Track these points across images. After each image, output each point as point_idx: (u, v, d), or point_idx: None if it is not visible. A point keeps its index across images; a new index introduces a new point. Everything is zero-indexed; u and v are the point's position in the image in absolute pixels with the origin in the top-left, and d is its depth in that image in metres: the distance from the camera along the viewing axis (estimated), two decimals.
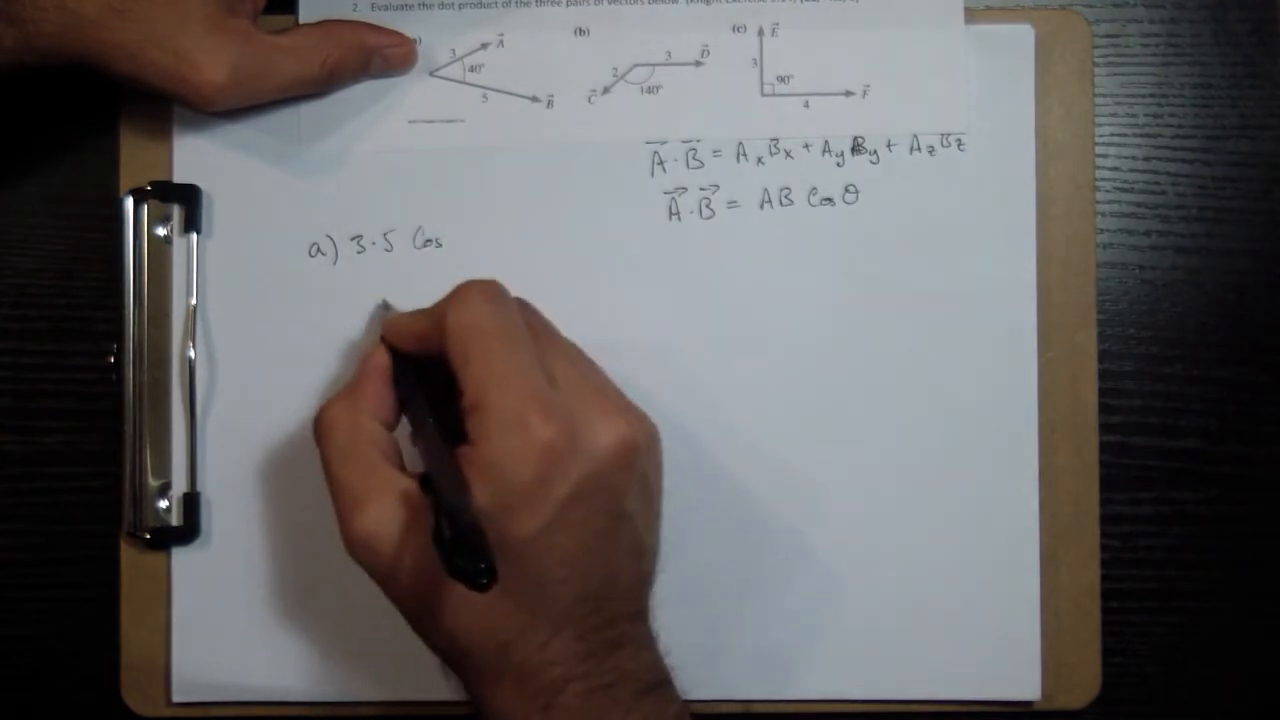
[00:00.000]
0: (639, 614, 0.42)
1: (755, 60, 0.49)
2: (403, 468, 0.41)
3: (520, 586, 0.38)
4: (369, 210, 0.49)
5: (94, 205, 0.50)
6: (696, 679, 0.48)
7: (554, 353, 0.41)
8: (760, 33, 0.49)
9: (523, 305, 0.43)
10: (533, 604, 0.39)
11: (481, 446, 0.38)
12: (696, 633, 0.48)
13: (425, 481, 0.37)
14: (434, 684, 0.48)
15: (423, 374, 0.42)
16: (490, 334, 0.40)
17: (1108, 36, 0.50)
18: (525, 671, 0.39)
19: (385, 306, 0.48)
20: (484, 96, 0.49)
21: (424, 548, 0.37)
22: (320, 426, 0.41)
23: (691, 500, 0.48)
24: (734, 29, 0.49)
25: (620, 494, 0.40)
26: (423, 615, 0.40)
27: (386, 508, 0.39)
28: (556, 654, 0.39)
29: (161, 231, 0.49)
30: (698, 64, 0.49)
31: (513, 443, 0.38)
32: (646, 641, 0.42)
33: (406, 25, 0.48)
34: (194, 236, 0.49)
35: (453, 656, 0.40)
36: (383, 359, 0.43)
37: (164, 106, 0.49)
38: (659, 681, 0.41)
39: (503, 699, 0.39)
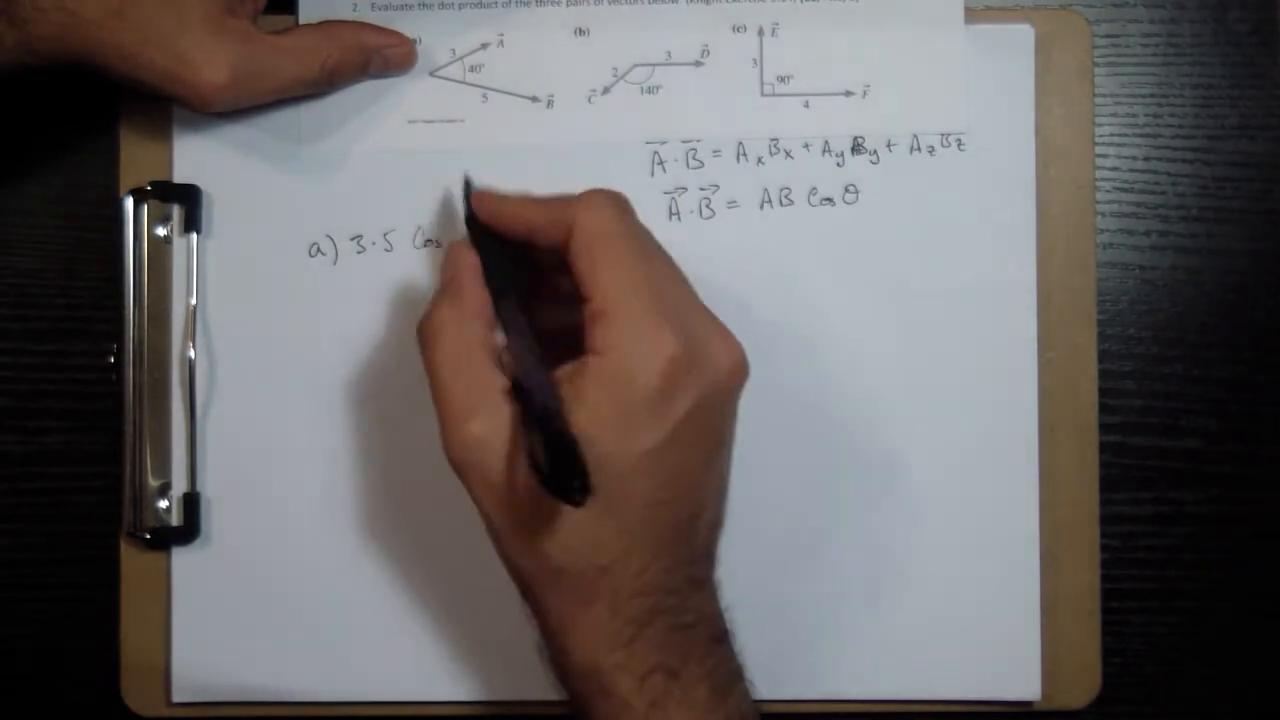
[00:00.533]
0: (713, 558, 0.42)
1: (755, 60, 0.49)
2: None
3: (627, 506, 0.38)
4: (369, 210, 0.49)
5: (94, 205, 0.50)
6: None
7: (668, 268, 0.41)
8: (760, 33, 0.49)
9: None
10: (636, 527, 0.38)
11: (610, 355, 0.38)
12: None
13: (517, 388, 0.37)
14: (434, 684, 0.49)
15: (508, 260, 0.42)
16: (622, 242, 0.40)
17: (1108, 36, 0.50)
18: (619, 598, 0.39)
19: (469, 180, 0.45)
20: (484, 96, 0.49)
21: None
22: (427, 334, 0.40)
23: None
24: (734, 29, 0.49)
25: (725, 419, 0.40)
26: (519, 530, 0.39)
27: (497, 416, 0.39)
28: (649, 584, 0.39)
29: (161, 231, 0.49)
30: (698, 64, 0.49)
31: (641, 355, 0.38)
32: (715, 591, 0.42)
33: (406, 25, 0.48)
34: (194, 236, 0.49)
35: (541, 579, 0.39)
36: (474, 257, 0.42)
37: (164, 106, 0.49)
38: (727, 633, 0.42)
39: (592, 625, 0.39)
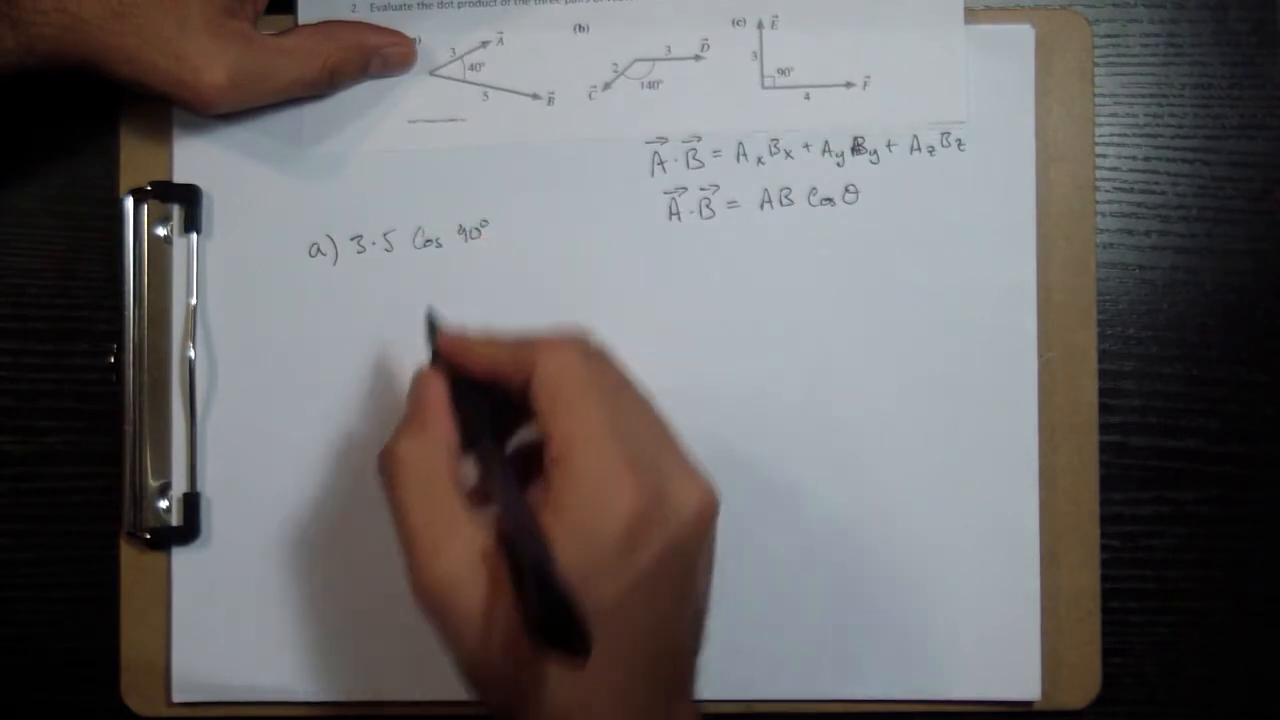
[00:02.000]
0: (690, 683, 0.40)
1: (755, 53, 0.49)
2: (476, 508, 0.38)
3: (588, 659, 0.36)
4: (369, 210, 0.49)
5: (94, 205, 0.50)
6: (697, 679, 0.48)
7: (635, 408, 0.40)
8: (760, 26, 0.49)
9: (605, 354, 0.41)
10: (594, 678, 0.36)
11: (567, 508, 0.36)
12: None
13: (506, 543, 0.35)
14: (432, 684, 0.49)
15: (484, 398, 0.40)
16: (582, 388, 0.38)
17: (1108, 36, 0.50)
18: None
19: (433, 317, 0.43)
20: (484, 95, 0.49)
21: (506, 603, 0.36)
22: (391, 466, 0.38)
23: None
24: (733, 22, 0.49)
25: (693, 562, 0.39)
26: (487, 673, 0.37)
27: (467, 555, 0.36)
28: None
29: (161, 231, 0.49)
30: (698, 58, 0.49)
31: (601, 505, 0.36)
32: (694, 708, 0.40)
33: (406, 25, 0.48)
34: (194, 236, 0.49)
35: (502, 714, 0.38)
36: (442, 386, 0.40)
37: (164, 107, 0.49)
38: None
39: None
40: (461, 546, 0.37)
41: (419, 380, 0.41)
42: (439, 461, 0.38)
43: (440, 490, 0.38)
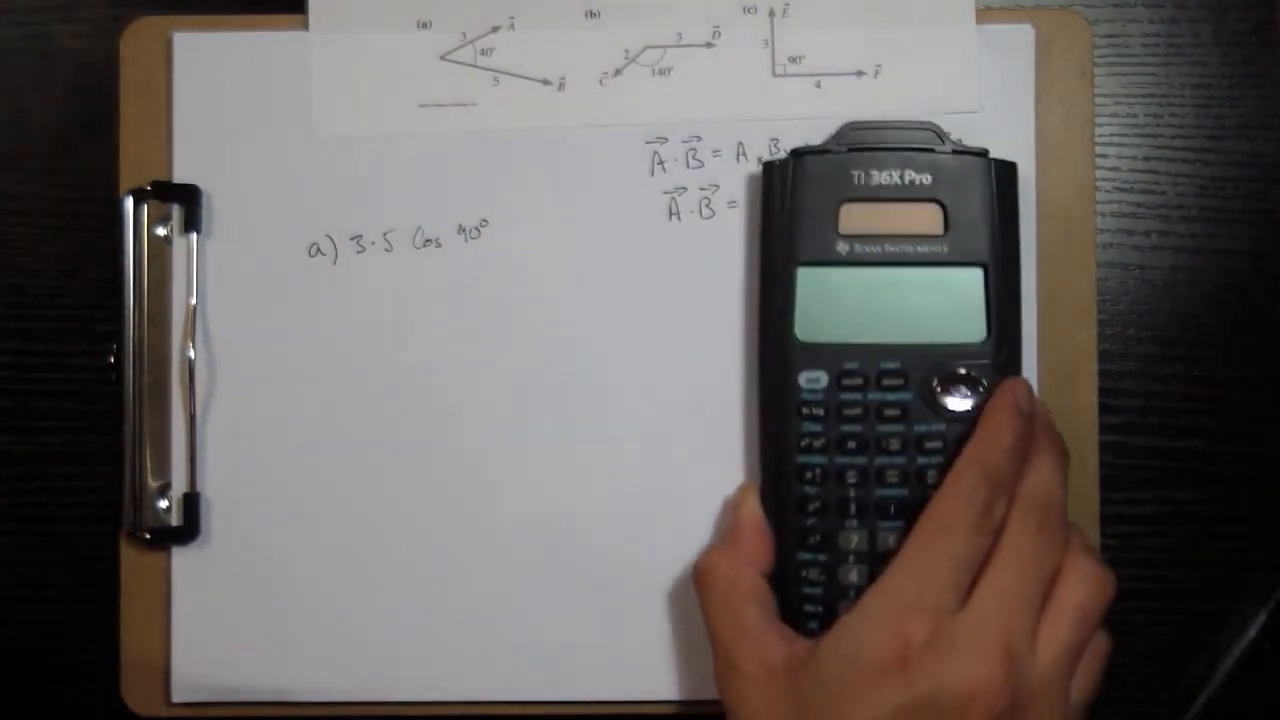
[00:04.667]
0: None
1: (767, 41, 0.49)
2: (778, 617, 0.42)
3: None
4: (371, 207, 0.49)
5: (94, 205, 0.50)
6: (696, 679, 0.48)
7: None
8: (771, 13, 0.49)
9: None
10: None
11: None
12: (695, 632, 0.48)
13: None
14: (433, 684, 0.49)
15: None
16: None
17: (1108, 36, 0.50)
18: None
19: None
20: (495, 80, 0.49)
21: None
22: (699, 576, 0.43)
23: (690, 498, 0.48)
24: (745, 10, 0.49)
25: None
26: None
27: (760, 661, 0.40)
28: None
29: (161, 231, 0.49)
30: (709, 45, 0.49)
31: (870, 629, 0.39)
32: None
33: (417, 9, 0.48)
34: (194, 236, 0.49)
35: None
36: (757, 510, 0.44)
37: (164, 107, 0.49)
38: None
39: None
40: (754, 661, 0.40)
41: (738, 496, 0.45)
42: (740, 575, 0.42)
43: (740, 605, 0.41)
